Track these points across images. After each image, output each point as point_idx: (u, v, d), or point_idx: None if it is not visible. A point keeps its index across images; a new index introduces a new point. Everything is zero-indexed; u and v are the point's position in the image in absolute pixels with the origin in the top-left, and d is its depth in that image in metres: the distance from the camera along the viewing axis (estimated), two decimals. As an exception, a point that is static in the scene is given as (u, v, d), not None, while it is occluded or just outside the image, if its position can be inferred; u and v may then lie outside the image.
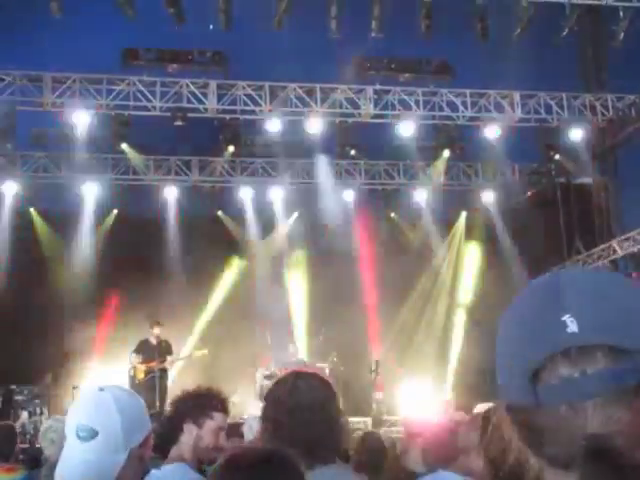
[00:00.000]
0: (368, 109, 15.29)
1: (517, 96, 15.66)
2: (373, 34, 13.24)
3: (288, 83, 15.11)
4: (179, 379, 15.05)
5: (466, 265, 18.45)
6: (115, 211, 17.06)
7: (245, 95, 14.98)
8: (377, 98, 15.37)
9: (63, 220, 16.73)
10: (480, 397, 8.65)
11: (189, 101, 14.71)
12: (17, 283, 15.18)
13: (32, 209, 16.84)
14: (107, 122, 14.83)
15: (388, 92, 15.38)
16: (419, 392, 15.44)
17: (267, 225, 18.01)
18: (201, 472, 3.29)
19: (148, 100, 14.58)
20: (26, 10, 13.49)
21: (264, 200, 17.72)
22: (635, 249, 15.56)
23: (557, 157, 16.07)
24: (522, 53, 13.75)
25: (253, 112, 15.11)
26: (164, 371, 13.60)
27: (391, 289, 17.26)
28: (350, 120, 15.45)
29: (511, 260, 17.36)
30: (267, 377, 13.81)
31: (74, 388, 13.44)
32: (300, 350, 15.83)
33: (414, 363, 16.93)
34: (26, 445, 10.36)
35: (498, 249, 17.67)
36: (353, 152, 15.72)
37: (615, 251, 16.24)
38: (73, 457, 2.23)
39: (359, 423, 13.71)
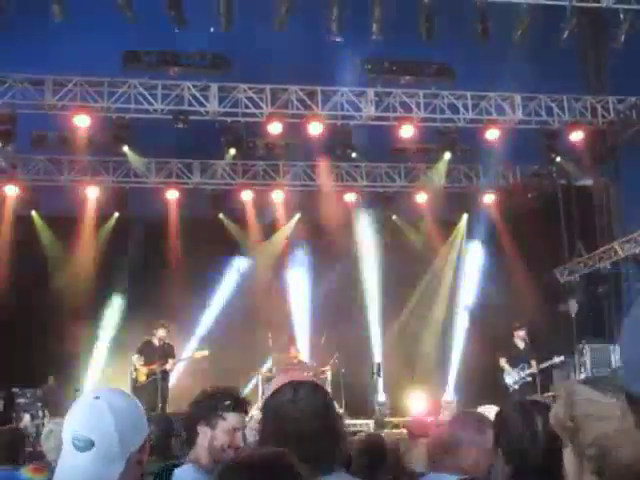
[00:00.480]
0: (369, 111, 15.29)
1: (518, 98, 15.65)
2: (374, 36, 13.22)
3: (289, 85, 15.12)
4: (180, 381, 15.08)
5: (467, 267, 18.45)
6: (116, 214, 17.05)
7: (246, 98, 14.98)
8: (378, 100, 15.36)
9: (64, 223, 16.75)
10: (482, 398, 8.67)
11: (190, 104, 14.71)
12: (19, 286, 15.20)
13: (33, 212, 16.84)
14: (108, 125, 14.83)
15: (389, 94, 15.38)
16: (421, 394, 15.45)
17: (268, 228, 18.02)
18: None
19: (149, 103, 14.59)
20: (27, 13, 13.49)
21: (265, 203, 17.73)
22: (637, 250, 15.54)
23: (558, 159, 16.07)
24: (523, 55, 13.75)
25: (254, 115, 15.11)
26: (165, 373, 13.62)
27: (393, 291, 17.29)
28: (351, 122, 15.46)
29: (512, 262, 17.35)
30: (269, 380, 13.81)
31: (76, 391, 13.48)
32: (302, 352, 15.82)
33: (416, 365, 16.95)
34: (29, 448, 10.34)
35: (499, 251, 17.67)
36: (354, 155, 15.73)
37: (616, 252, 16.23)
38: (71, 467, 2.22)
39: (361, 425, 13.73)
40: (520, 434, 2.65)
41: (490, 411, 3.42)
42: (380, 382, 15.82)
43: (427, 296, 17.88)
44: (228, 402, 3.42)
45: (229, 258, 17.69)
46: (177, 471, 3.36)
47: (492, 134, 15.58)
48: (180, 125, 14.51)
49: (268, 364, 14.86)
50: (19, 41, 14.45)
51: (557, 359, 13.45)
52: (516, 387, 13.23)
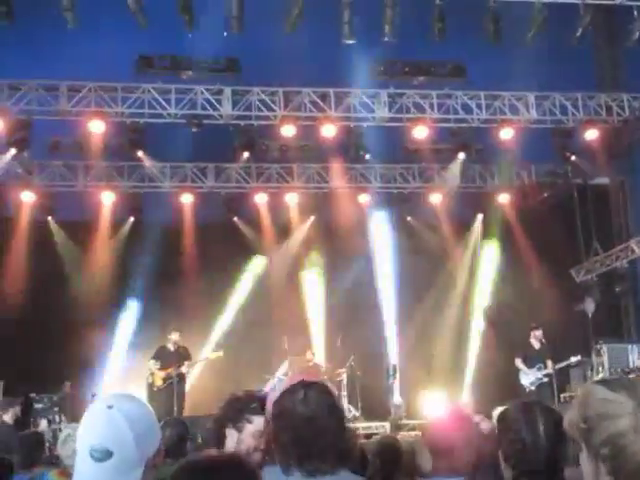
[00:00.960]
0: (382, 113, 15.27)
1: (532, 97, 15.59)
2: (386, 38, 13.21)
3: (302, 88, 15.13)
4: (197, 384, 15.13)
5: (483, 267, 18.39)
6: (132, 218, 17.13)
7: (259, 101, 15.00)
8: (391, 101, 15.33)
9: (80, 228, 16.83)
10: (498, 400, 8.63)
11: (204, 108, 14.75)
12: (35, 291, 15.28)
13: (50, 218, 16.94)
14: (123, 130, 14.91)
15: (402, 95, 15.36)
16: (437, 396, 15.41)
17: (283, 230, 18.03)
18: None
19: (163, 107, 14.64)
20: (41, 19, 13.58)
21: (279, 205, 17.75)
22: (653, 249, 15.45)
23: (573, 158, 15.98)
24: (536, 54, 13.68)
25: (267, 117, 15.13)
26: (182, 376, 13.67)
27: (408, 292, 17.24)
28: (365, 124, 15.45)
29: (528, 262, 17.28)
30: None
31: (93, 396, 13.51)
32: (317, 355, 15.83)
33: (432, 366, 16.90)
34: (46, 453, 10.39)
35: (515, 251, 17.59)
36: (368, 156, 15.71)
37: (633, 251, 16.12)
38: (89, 477, 2.20)
39: (377, 427, 13.70)
40: (522, 435, 2.65)
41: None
42: (396, 384, 15.79)
43: (442, 297, 17.82)
44: (254, 405, 3.43)
45: (244, 261, 17.71)
46: None
47: (506, 133, 15.52)
48: (194, 129, 14.56)
49: (284, 367, 14.87)
50: (34, 48, 14.56)
51: (574, 359, 13.39)
52: (533, 388, 13.16)
